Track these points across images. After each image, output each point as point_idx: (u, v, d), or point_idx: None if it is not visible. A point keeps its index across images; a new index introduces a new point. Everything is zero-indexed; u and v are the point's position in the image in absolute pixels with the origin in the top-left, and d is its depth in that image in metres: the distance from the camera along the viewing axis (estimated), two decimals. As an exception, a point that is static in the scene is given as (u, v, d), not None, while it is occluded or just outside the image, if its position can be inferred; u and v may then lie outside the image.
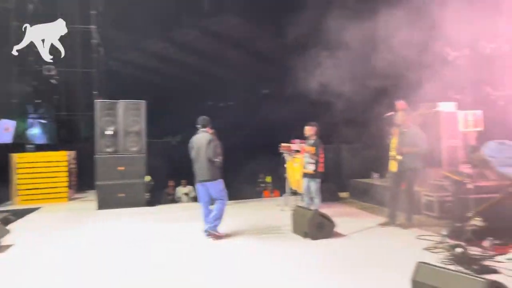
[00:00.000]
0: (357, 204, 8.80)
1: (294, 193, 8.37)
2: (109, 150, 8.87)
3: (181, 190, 10.98)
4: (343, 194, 9.70)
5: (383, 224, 6.51)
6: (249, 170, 11.53)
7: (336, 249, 5.33)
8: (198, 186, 6.12)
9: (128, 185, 8.83)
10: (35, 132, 16.68)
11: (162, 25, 15.86)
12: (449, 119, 8.05)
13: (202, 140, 6.02)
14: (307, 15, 9.14)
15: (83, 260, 5.10)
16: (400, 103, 8.43)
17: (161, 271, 4.62)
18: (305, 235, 5.84)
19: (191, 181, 8.54)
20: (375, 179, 9.09)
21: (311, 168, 7.05)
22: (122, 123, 8.99)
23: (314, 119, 7.64)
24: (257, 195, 10.77)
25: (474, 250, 4.85)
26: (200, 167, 5.97)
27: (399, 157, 6.27)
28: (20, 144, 12.07)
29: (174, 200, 10.64)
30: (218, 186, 6.04)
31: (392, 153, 6.42)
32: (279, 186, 9.65)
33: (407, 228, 6.26)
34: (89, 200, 9.86)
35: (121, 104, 9.03)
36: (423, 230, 6.11)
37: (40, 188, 9.81)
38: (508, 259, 4.47)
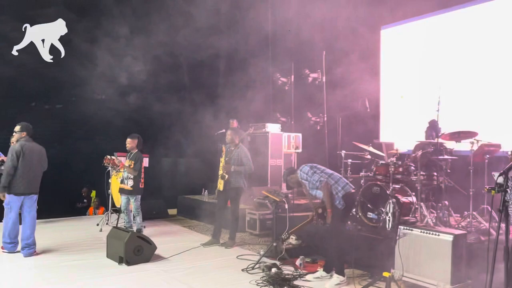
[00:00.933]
0: (184, 222, 8.54)
1: (117, 211, 7.66)
2: None
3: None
4: (172, 211, 9.35)
5: (207, 244, 6.35)
6: (70, 183, 10.24)
7: (152, 276, 4.89)
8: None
9: None
10: None
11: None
12: (275, 140, 8.52)
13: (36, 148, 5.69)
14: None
15: None
16: (232, 122, 8.61)
17: None
18: (120, 260, 5.25)
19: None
20: (203, 196, 9.00)
21: (130, 184, 6.57)
22: None
23: (145, 130, 7.20)
24: (80, 212, 9.59)
25: (288, 270, 5.01)
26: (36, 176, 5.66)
27: (225, 175, 6.24)
28: None
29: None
30: None
31: (220, 171, 6.37)
32: (105, 203, 8.78)
33: (229, 247, 6.22)
34: None
35: None
36: (245, 249, 6.15)
37: None
38: (316, 277, 4.71)
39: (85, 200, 9.78)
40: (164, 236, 7.01)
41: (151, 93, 10.08)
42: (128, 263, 5.18)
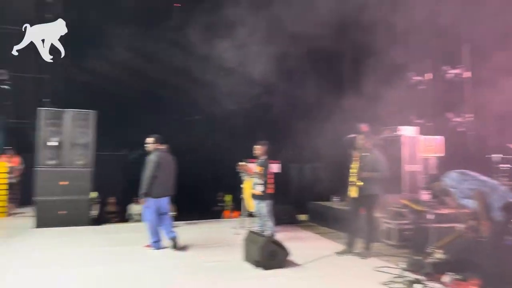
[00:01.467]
0: (315, 228, 8.43)
1: (251, 215, 7.93)
2: (51, 162, 8.14)
3: (134, 208, 10.28)
4: (302, 217, 9.33)
5: (341, 253, 6.14)
6: (207, 187, 11.03)
7: (285, 282, 4.89)
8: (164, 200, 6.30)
9: (71, 201, 8.10)
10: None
11: (126, 35, 15.29)
12: (410, 144, 7.89)
13: (169, 157, 6.51)
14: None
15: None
16: (362, 126, 8.23)
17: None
18: (257, 264, 5.37)
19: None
20: (334, 203, 8.78)
21: (259, 189, 6.71)
22: (68, 134, 8.30)
23: (277, 137, 7.33)
24: (216, 215, 10.23)
25: (433, 286, 4.54)
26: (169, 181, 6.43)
27: (359, 183, 5.97)
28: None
29: (120, 218, 9.87)
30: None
31: (352, 178, 6.11)
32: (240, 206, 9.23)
33: (365, 258, 5.91)
34: (29, 216, 9.01)
35: (68, 113, 8.36)
36: (382, 261, 5.78)
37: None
38: (468, 297, 4.17)
39: (221, 204, 10.37)
40: (295, 242, 6.98)
41: (279, 98, 10.26)
42: (265, 267, 5.27)
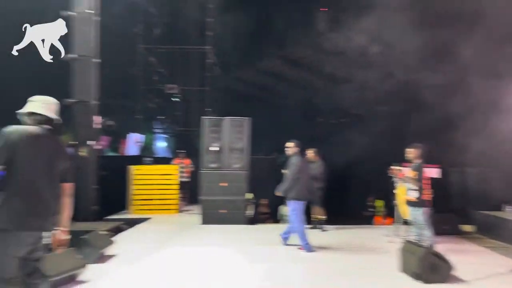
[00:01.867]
0: (483, 241, 7.44)
1: (406, 223, 7.42)
2: (213, 165, 9.01)
3: (285, 209, 10.63)
4: (467, 228, 8.33)
5: (519, 272, 5.29)
6: (357, 191, 10.75)
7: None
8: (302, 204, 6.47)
9: (230, 201, 8.83)
10: (159, 145, 18.16)
11: (275, 43, 16.07)
12: None
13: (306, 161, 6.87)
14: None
15: (177, 277, 5.07)
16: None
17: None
18: (416, 276, 4.99)
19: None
20: (508, 213, 7.61)
21: (413, 196, 6.18)
22: (226, 139, 9.07)
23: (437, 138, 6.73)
24: (366, 220, 9.89)
25: None
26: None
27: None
28: (138, 156, 13.12)
29: (272, 219, 10.27)
30: None
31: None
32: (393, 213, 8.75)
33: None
34: (196, 213, 10.11)
35: (226, 121, 9.13)
36: None
37: (153, 199, 10.40)
38: None
39: (371, 209, 10.00)
40: (459, 255, 6.27)
41: (435, 96, 9.41)
42: (425, 281, 4.86)
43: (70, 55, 8.80)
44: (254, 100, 17.12)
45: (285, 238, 6.80)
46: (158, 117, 16.65)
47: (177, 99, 16.29)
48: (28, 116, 3.18)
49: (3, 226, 2.97)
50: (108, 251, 5.95)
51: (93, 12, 8.85)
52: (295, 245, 6.58)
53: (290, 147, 6.70)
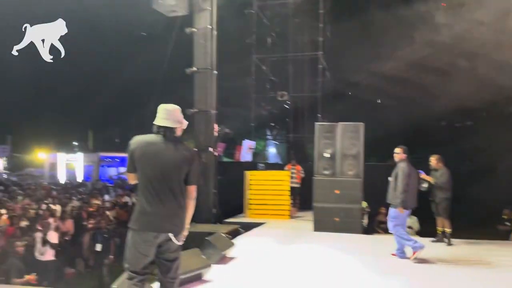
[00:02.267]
0: None
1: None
2: (326, 172, 8.87)
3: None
4: None
5: None
6: (487, 202, 9.63)
7: None
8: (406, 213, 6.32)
9: (343, 209, 8.57)
10: (271, 152, 18.64)
11: (388, 45, 15.35)
12: None
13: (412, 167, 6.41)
14: None
15: (296, 280, 5.10)
16: None
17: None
18: None
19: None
20: None
21: None
22: (339, 145, 8.87)
23: None
24: (502, 235, 8.76)
25: None
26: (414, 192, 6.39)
27: None
28: (253, 162, 13.58)
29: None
30: None
31: None
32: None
33: None
34: (307, 220, 10.06)
35: (340, 126, 8.93)
36: None
37: (267, 205, 10.64)
38: None
39: (507, 223, 8.87)
40: None
41: None
42: None
43: (191, 69, 9.54)
44: (367, 104, 16.58)
45: (401, 252, 6.39)
46: (270, 124, 17.11)
47: (287, 106, 16.55)
48: (156, 127, 3.44)
49: (131, 225, 3.31)
50: (229, 253, 6.23)
51: (211, 27, 9.46)
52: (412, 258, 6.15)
53: (398, 153, 6.48)
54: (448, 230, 7.39)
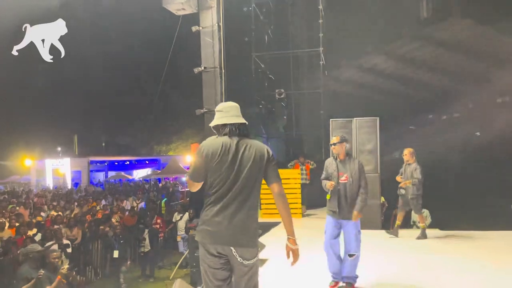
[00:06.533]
0: None
1: None
2: (343, 168, 8.73)
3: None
4: None
5: None
6: (479, 193, 9.68)
7: None
8: None
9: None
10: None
11: (380, 40, 15.43)
12: None
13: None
14: None
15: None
16: None
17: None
18: None
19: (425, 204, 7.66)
20: None
21: None
22: (355, 141, 8.76)
23: None
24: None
25: None
26: None
27: None
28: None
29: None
30: None
31: None
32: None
33: None
34: (319, 217, 9.92)
35: (355, 122, 8.82)
36: None
37: (278, 204, 10.44)
38: None
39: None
40: None
41: None
42: None
43: (199, 68, 9.31)
44: (361, 99, 16.56)
45: None
46: (269, 121, 16.94)
47: (283, 104, 16.42)
48: (219, 128, 3.12)
49: (197, 238, 3.01)
50: (260, 254, 6.04)
51: (218, 26, 9.23)
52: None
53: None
54: (422, 224, 7.51)
